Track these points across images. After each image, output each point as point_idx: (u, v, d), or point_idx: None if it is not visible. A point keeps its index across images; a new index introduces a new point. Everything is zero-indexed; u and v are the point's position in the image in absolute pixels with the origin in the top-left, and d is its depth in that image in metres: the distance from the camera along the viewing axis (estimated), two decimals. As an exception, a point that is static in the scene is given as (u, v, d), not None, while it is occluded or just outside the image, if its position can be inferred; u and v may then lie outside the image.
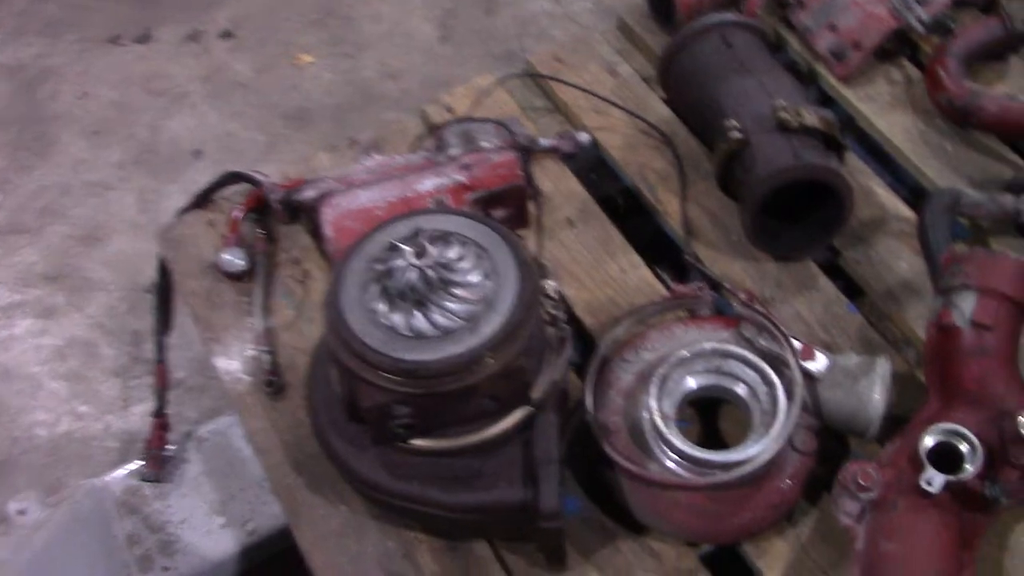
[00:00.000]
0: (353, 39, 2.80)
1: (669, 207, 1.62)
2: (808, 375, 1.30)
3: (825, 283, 1.52)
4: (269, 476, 1.40)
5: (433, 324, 1.14)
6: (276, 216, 1.46)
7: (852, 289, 1.53)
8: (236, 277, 1.57)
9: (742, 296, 1.36)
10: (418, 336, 1.14)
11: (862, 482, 1.18)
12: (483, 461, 1.22)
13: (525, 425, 1.23)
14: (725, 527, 1.27)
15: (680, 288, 1.41)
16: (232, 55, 2.77)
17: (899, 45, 1.74)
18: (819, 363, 1.32)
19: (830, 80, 1.73)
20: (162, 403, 1.72)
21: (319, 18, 2.84)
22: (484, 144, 1.38)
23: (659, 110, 1.74)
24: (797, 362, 1.29)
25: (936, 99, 1.63)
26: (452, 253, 1.18)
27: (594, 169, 1.74)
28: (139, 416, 1.82)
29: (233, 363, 1.51)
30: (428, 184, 1.36)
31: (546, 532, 1.19)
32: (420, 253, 1.14)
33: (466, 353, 1.12)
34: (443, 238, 1.18)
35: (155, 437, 1.70)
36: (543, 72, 1.80)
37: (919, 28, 1.67)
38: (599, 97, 1.73)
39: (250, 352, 1.51)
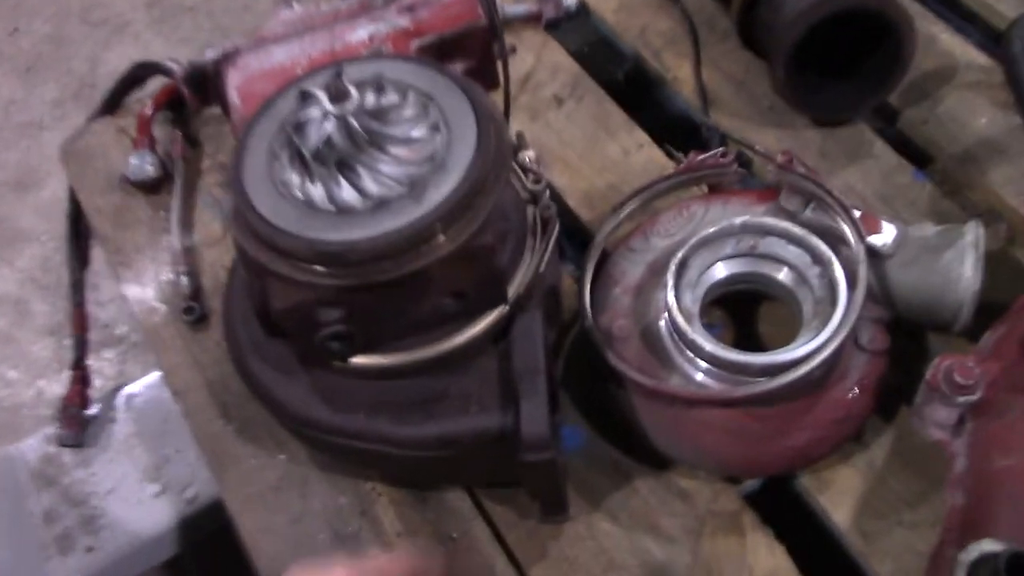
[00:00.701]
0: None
1: (680, 73, 1.30)
2: (873, 251, 0.99)
3: (882, 148, 1.20)
4: (190, 422, 1.11)
5: (363, 193, 0.84)
6: (187, 103, 1.16)
7: (917, 156, 1.21)
8: (149, 187, 1.27)
9: (779, 159, 1.04)
10: (343, 210, 0.84)
11: (960, 379, 0.87)
12: (448, 380, 0.92)
13: (502, 331, 0.93)
14: (773, 453, 0.96)
15: (698, 157, 1.10)
16: (176, -21, 2.48)
17: None
18: (887, 235, 1.00)
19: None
20: (81, 353, 1.44)
21: (275, -62, 2.53)
22: (433, -22, 1.07)
23: (661, -36, 1.43)
24: (859, 233, 0.98)
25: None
26: (386, 101, 0.87)
27: (585, 41, 1.43)
28: (76, 379, 1.56)
29: (146, 290, 1.22)
30: (362, 33, 1.05)
31: (536, 469, 0.89)
32: (339, 97, 0.83)
33: (407, 227, 0.81)
34: (374, 84, 0.88)
35: (73, 393, 1.42)
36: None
37: None
38: (587, -51, 1.42)
39: (167, 276, 1.22)
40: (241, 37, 1.08)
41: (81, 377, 1.42)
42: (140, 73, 1.32)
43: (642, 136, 1.25)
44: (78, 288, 1.42)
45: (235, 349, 0.99)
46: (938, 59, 1.26)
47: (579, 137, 1.26)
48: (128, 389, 1.45)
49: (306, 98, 0.86)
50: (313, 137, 0.84)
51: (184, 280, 1.18)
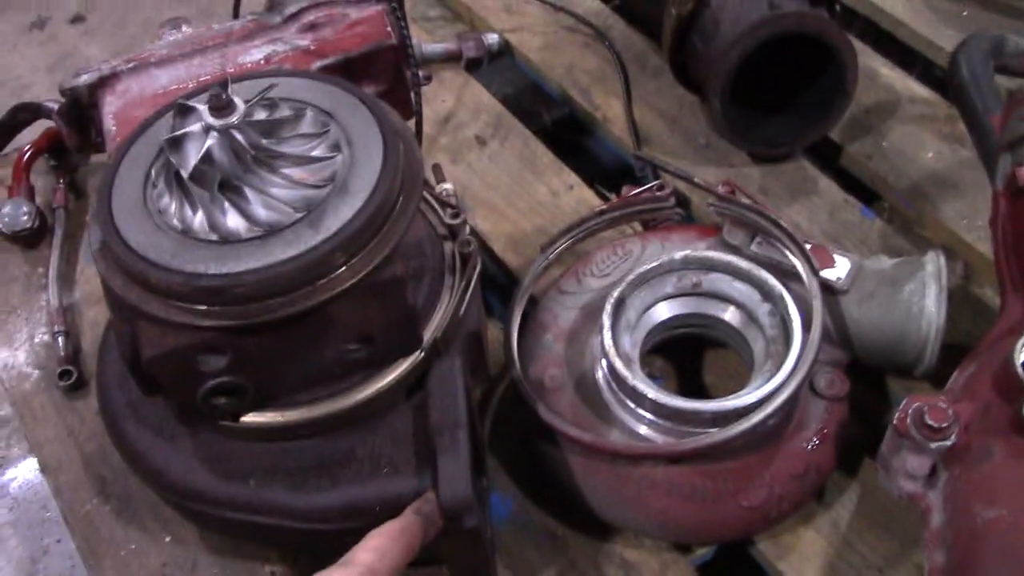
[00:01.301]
0: (226, 8, 2.40)
1: (609, 112, 1.22)
2: (827, 287, 0.90)
3: (827, 184, 1.13)
4: (60, 502, 0.96)
5: (250, 219, 0.73)
6: (65, 139, 1.04)
7: (864, 192, 1.14)
8: (26, 240, 1.14)
9: (720, 189, 0.95)
10: (227, 240, 0.72)
11: (933, 422, 0.77)
12: (354, 439, 0.80)
13: (416, 382, 0.81)
14: (729, 515, 0.84)
15: (633, 191, 1.01)
16: (84, 39, 2.33)
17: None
18: (840, 269, 0.91)
19: (801, -47, 1.36)
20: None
21: (185, -13, 2.44)
22: (337, -4, 0.97)
23: (587, 3, 1.36)
24: (811, 267, 0.89)
25: (941, -49, 1.27)
26: (278, 116, 0.76)
27: (509, 85, 1.35)
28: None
29: (17, 354, 1.07)
30: (256, 55, 0.94)
31: (458, 539, 0.76)
32: (222, 109, 0.72)
33: (302, 256, 0.70)
34: (263, 99, 0.77)
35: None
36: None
37: None
38: (509, -11, 1.35)
39: (42, 337, 1.08)
40: (118, 58, 0.97)
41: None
42: (19, 117, 1.20)
43: (572, 177, 1.16)
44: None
45: (108, 411, 0.86)
46: (880, 93, 1.20)
47: (504, 179, 1.17)
48: (5, 474, 1.29)
49: (184, 112, 0.74)
50: (191, 154, 0.72)
51: (60, 341, 1.04)
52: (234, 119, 0.72)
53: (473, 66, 1.29)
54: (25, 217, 1.12)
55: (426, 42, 1.29)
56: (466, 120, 1.23)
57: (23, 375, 1.05)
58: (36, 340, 1.08)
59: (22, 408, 1.03)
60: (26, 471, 1.29)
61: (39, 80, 2.29)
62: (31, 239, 1.14)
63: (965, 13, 1.25)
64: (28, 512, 1.23)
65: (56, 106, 1.11)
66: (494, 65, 1.34)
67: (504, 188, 1.16)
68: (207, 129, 0.72)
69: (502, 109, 1.24)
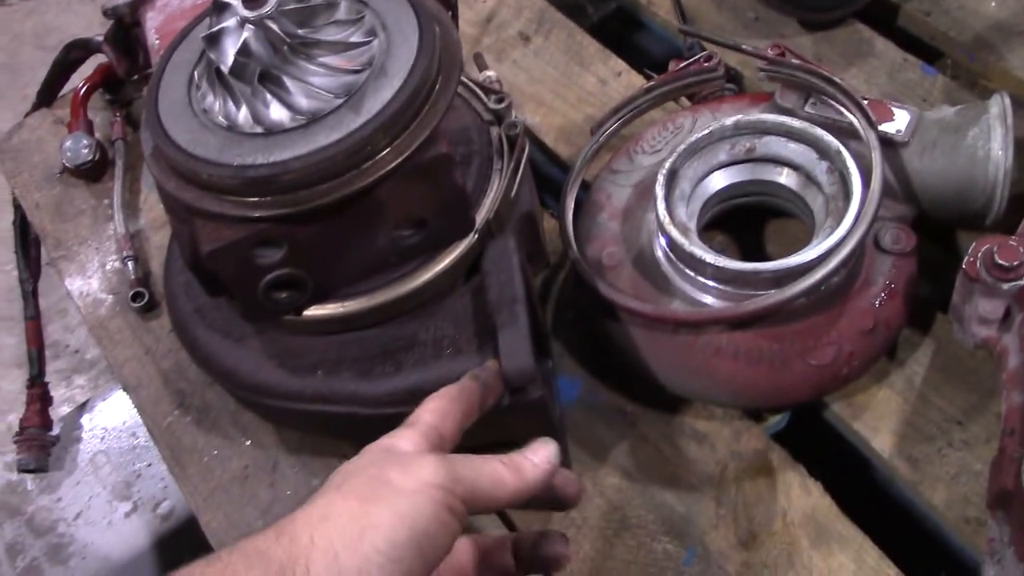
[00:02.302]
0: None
1: (654, -5, 1.19)
2: (887, 140, 0.87)
3: (885, 45, 1.09)
4: (143, 417, 1.00)
5: (292, 109, 0.73)
6: (115, 67, 1.06)
7: (924, 51, 1.10)
8: (88, 173, 1.17)
9: (770, 51, 0.93)
10: (272, 131, 0.72)
11: (1003, 262, 0.75)
12: (416, 325, 0.81)
13: (473, 265, 0.82)
14: (798, 376, 0.83)
15: (680, 64, 0.99)
16: (134, -7, 2.38)
17: None
18: (900, 121, 0.88)
19: None
20: (39, 369, 1.32)
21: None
22: None
23: None
24: (868, 121, 0.86)
25: None
26: (312, 3, 0.76)
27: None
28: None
29: (91, 282, 1.11)
30: (292, -45, 0.95)
31: (525, 412, 0.76)
32: (255, 1, 0.72)
33: (345, 139, 0.70)
34: (298, -10, 0.76)
35: (31, 413, 1.30)
36: None
37: None
38: None
39: (113, 265, 1.11)
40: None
41: (40, 395, 1.31)
42: (73, 55, 1.23)
43: (619, 63, 1.14)
44: (31, 300, 1.31)
45: (178, 319, 0.88)
46: (935, -55, 1.14)
47: (550, 72, 1.15)
48: (95, 407, 1.34)
49: (221, 9, 0.75)
50: (229, 48, 0.73)
51: (130, 265, 1.07)
52: (267, 9, 0.72)
53: (513, -36, 1.27)
54: (86, 150, 1.14)
55: (463, -55, 1.27)
56: (508, 18, 1.21)
57: (98, 301, 1.09)
58: (107, 267, 1.11)
59: (99, 332, 1.07)
60: (114, 403, 1.33)
61: (95, 36, 2.33)
62: (94, 172, 1.17)
63: None
64: (119, 440, 1.28)
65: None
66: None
67: (551, 81, 1.14)
68: (242, 22, 0.73)
69: (545, 5, 1.22)
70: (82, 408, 1.34)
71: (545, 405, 0.76)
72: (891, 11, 1.12)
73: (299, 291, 0.78)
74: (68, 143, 1.15)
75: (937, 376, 0.87)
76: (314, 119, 0.72)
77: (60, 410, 1.40)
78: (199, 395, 0.98)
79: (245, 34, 0.72)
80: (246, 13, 0.72)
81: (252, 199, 0.72)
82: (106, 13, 0.98)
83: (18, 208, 1.28)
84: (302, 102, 0.73)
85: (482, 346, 0.78)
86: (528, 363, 0.73)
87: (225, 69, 0.73)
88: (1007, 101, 0.86)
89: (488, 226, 0.81)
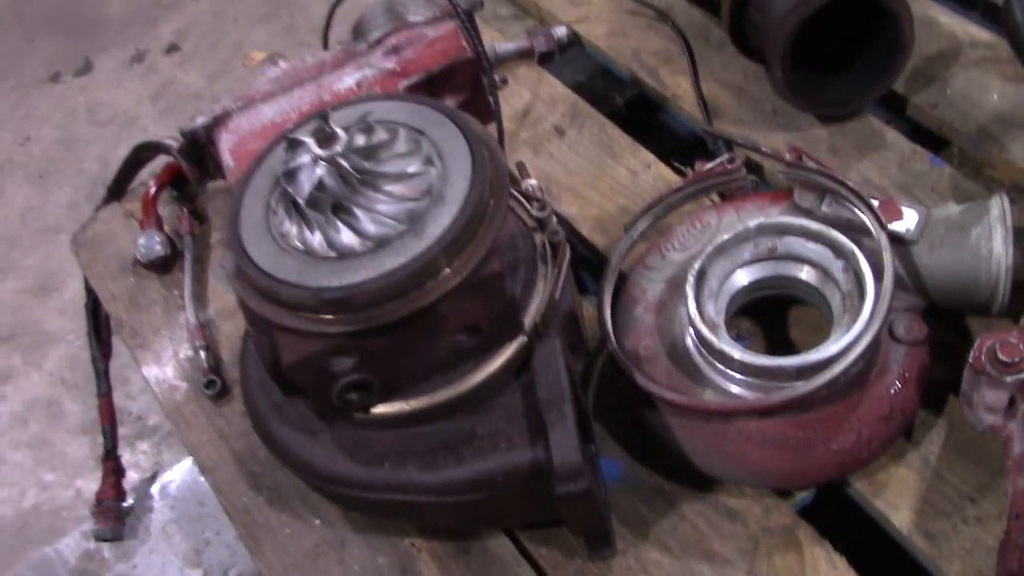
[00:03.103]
0: (308, 25, 2.53)
1: (678, 90, 1.28)
2: (897, 238, 0.95)
3: (895, 137, 1.17)
4: (220, 497, 1.08)
5: (362, 234, 0.82)
6: (187, 175, 1.16)
7: (932, 141, 1.18)
8: (160, 266, 1.26)
9: (788, 156, 1.01)
10: (344, 255, 0.82)
11: (1005, 358, 0.83)
12: (472, 420, 0.89)
13: (522, 363, 0.90)
14: (821, 460, 0.91)
15: (706, 166, 1.07)
16: (181, 68, 2.50)
17: None
18: (909, 220, 0.97)
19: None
20: (112, 443, 1.42)
21: (268, 12, 2.55)
22: (414, 19, 1.06)
23: (648, -14, 1.42)
24: (879, 222, 0.95)
25: None
26: (376, 139, 0.86)
27: (581, 73, 1.42)
28: (114, 475, 1.54)
29: (166, 369, 1.20)
30: (348, 80, 1.04)
31: (574, 501, 0.85)
32: (327, 140, 0.82)
33: (411, 263, 0.79)
34: (361, 125, 0.86)
35: (107, 485, 1.39)
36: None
37: None
38: (572, -19, 1.41)
39: (185, 352, 1.20)
40: (228, 98, 1.08)
41: (114, 468, 1.40)
42: (142, 155, 1.33)
43: (648, 156, 1.23)
44: (103, 378, 1.41)
45: (255, 414, 0.97)
46: (940, 41, 1.23)
47: (584, 165, 1.24)
48: (163, 477, 1.43)
49: (294, 145, 0.84)
50: (305, 183, 0.82)
51: (203, 354, 1.17)
52: (338, 148, 0.82)
53: (545, 60, 1.36)
54: (159, 247, 1.24)
55: (499, 42, 1.37)
56: (544, 112, 1.31)
57: (173, 387, 1.18)
58: (180, 355, 1.20)
59: (176, 417, 1.16)
60: (180, 472, 1.43)
61: (145, 111, 2.45)
62: (165, 265, 1.26)
63: (1021, -50, 1.27)
64: (187, 509, 1.37)
65: (174, 144, 1.24)
66: (565, 55, 1.41)
67: (586, 173, 1.23)
68: (316, 160, 0.82)
69: (576, 98, 1.32)
70: (152, 479, 1.43)
71: (592, 493, 0.84)
72: (900, 102, 1.20)
73: (368, 392, 0.86)
74: (142, 240, 1.24)
75: (951, 455, 0.94)
76: (381, 244, 0.81)
77: (129, 475, 1.49)
78: (270, 476, 1.07)
79: (319, 171, 0.82)
80: (319, 152, 0.82)
81: (328, 316, 0.81)
82: (184, 135, 1.08)
83: (90, 292, 1.39)
84: (370, 228, 0.82)
85: (534, 440, 0.86)
86: (577, 459, 0.81)
87: (302, 201, 0.82)
88: (1006, 203, 0.93)
89: (535, 328, 0.90)
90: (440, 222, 0.81)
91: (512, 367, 0.89)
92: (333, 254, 0.82)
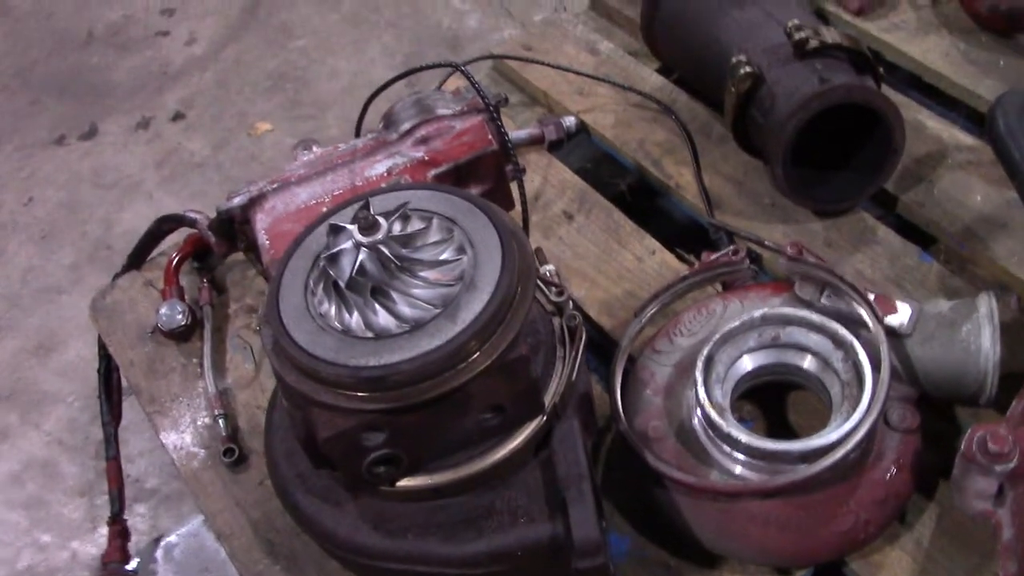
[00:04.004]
0: (312, 100, 2.60)
1: (681, 180, 1.36)
2: (892, 331, 1.02)
3: (886, 233, 1.24)
4: (236, 565, 1.11)
5: (398, 317, 0.87)
6: (213, 249, 1.21)
7: (920, 237, 1.25)
8: (179, 335, 1.30)
9: (789, 251, 1.08)
10: (381, 336, 0.87)
11: (995, 448, 0.89)
12: (494, 495, 0.94)
13: (542, 441, 0.95)
14: (820, 540, 0.96)
15: (711, 256, 1.14)
16: (185, 136, 2.56)
17: (916, -33, 1.50)
18: (902, 315, 1.03)
19: (843, 17, 1.49)
20: (119, 507, 1.44)
21: (273, 84, 2.63)
22: (443, 112, 1.13)
23: (652, 80, 1.50)
24: (876, 316, 1.01)
25: (975, 9, 1.38)
26: (412, 228, 0.91)
27: (587, 159, 1.49)
28: (110, 537, 1.55)
29: (184, 436, 1.23)
30: (380, 168, 1.10)
31: (591, 575, 0.89)
32: (369, 228, 0.87)
33: (445, 346, 0.84)
34: (399, 213, 0.92)
35: (112, 548, 1.41)
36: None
37: (939, -63, 1.43)
38: (581, 74, 1.49)
39: (203, 420, 1.24)
40: (263, 180, 1.13)
41: (120, 532, 1.42)
42: (164, 227, 1.37)
43: (653, 243, 1.30)
44: (112, 442, 1.43)
45: (280, 484, 1.01)
46: (928, 144, 1.31)
47: (592, 249, 1.31)
48: (166, 540, 1.45)
49: (337, 231, 0.90)
50: (347, 267, 0.87)
51: (221, 423, 1.20)
52: (379, 236, 0.87)
53: (555, 147, 1.44)
54: (180, 316, 1.28)
55: (511, 129, 1.44)
56: (553, 197, 1.38)
57: (191, 454, 1.21)
58: (198, 423, 1.24)
59: (193, 484, 1.19)
60: (185, 537, 1.45)
61: (149, 176, 2.50)
62: (184, 334, 1.31)
63: (1001, 63, 1.36)
64: (190, 574, 1.39)
65: (199, 217, 1.29)
66: (572, 141, 1.48)
67: (593, 257, 1.30)
68: (358, 246, 0.88)
69: (584, 185, 1.39)
70: (156, 542, 1.45)
71: (607, 570, 0.89)
72: (891, 200, 1.28)
73: (395, 466, 0.91)
74: (164, 309, 1.29)
75: (942, 538, 0.99)
76: (417, 326, 0.86)
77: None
78: (287, 544, 1.10)
79: (361, 256, 0.87)
80: (361, 239, 0.87)
81: (364, 394, 0.85)
82: (220, 212, 1.13)
83: (103, 357, 1.42)
84: (406, 311, 0.88)
85: (552, 516, 0.90)
86: (596, 535, 0.86)
87: (342, 284, 0.88)
88: (994, 302, 1.00)
89: (555, 408, 0.95)
90: (472, 308, 0.86)
91: (532, 445, 0.94)
92: (370, 334, 0.87)
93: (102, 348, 1.41)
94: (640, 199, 1.46)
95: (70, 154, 2.62)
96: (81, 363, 2.11)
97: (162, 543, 1.44)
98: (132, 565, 1.42)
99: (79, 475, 1.90)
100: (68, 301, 2.25)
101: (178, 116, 2.65)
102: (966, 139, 1.31)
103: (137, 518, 1.45)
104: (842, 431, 0.94)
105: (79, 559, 1.79)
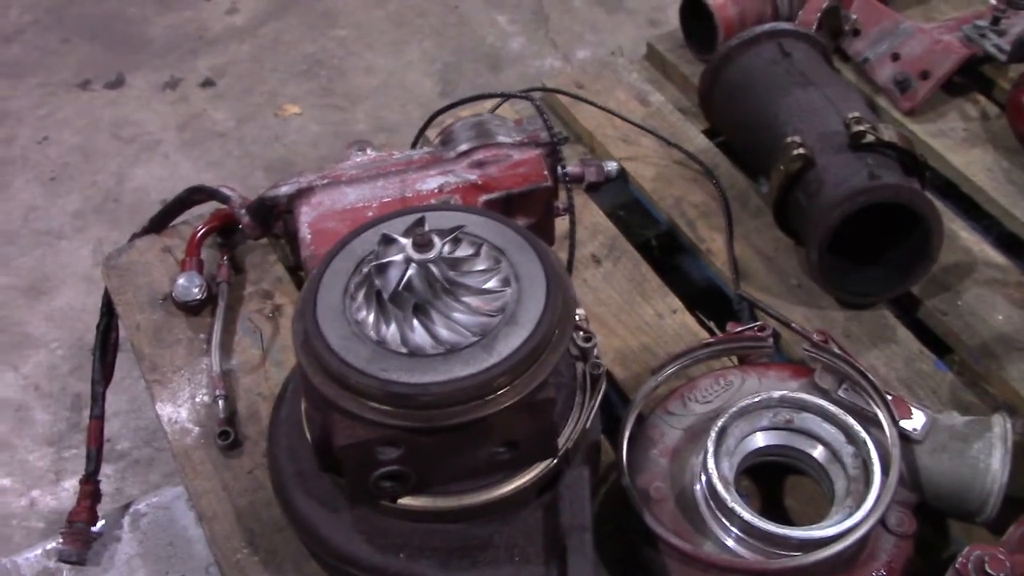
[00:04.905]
0: (344, 91, 2.59)
1: (712, 245, 1.37)
2: (904, 436, 1.03)
3: (905, 335, 1.26)
4: (215, 550, 1.10)
5: (436, 338, 0.87)
6: (245, 229, 1.20)
7: (936, 343, 1.27)
8: (192, 309, 1.30)
9: (816, 338, 1.09)
10: (415, 353, 0.87)
11: (992, 571, 0.90)
12: (493, 529, 0.94)
13: (548, 483, 0.95)
14: (803, 629, 0.97)
15: (736, 328, 1.15)
16: (212, 104, 2.54)
17: (970, 79, 1.53)
18: (917, 421, 1.04)
19: (893, 114, 1.51)
20: (95, 466, 1.42)
21: (307, 68, 2.62)
22: (502, 139, 1.13)
23: (697, 141, 1.51)
24: (892, 418, 1.02)
25: (1022, 131, 1.41)
26: (462, 252, 0.92)
27: (623, 206, 1.50)
28: (73, 492, 1.52)
29: (180, 411, 1.22)
30: (432, 183, 1.11)
31: (577, 626, 0.89)
32: (423, 245, 0.87)
33: (478, 375, 0.84)
34: (451, 234, 0.92)
35: (81, 508, 1.39)
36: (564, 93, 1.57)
37: (998, 56, 1.45)
38: (629, 122, 1.50)
39: (202, 398, 1.23)
40: (314, 172, 1.13)
41: (91, 492, 1.40)
42: (194, 196, 1.37)
43: (675, 302, 1.30)
44: (100, 401, 1.42)
45: (279, 480, 1.00)
46: (959, 254, 1.33)
47: (615, 298, 1.31)
48: (135, 507, 1.44)
49: (389, 242, 0.90)
50: (393, 280, 0.87)
51: (220, 404, 1.19)
52: (432, 255, 0.87)
53: (592, 188, 1.44)
54: (196, 290, 1.27)
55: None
56: (584, 239, 1.38)
57: (185, 430, 1.20)
58: (197, 400, 1.23)
59: (183, 460, 1.18)
60: (152, 507, 1.43)
61: (169, 137, 2.48)
62: (196, 308, 1.30)
63: (1041, 188, 1.39)
64: (156, 547, 1.36)
65: (232, 194, 1.28)
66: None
67: (615, 306, 1.30)
68: (408, 260, 0.87)
69: (616, 232, 1.39)
70: (125, 508, 1.43)
71: (596, 622, 0.89)
72: (915, 303, 1.30)
73: (403, 483, 0.91)
74: (181, 280, 1.28)
75: (922, 647, 1.00)
76: (452, 350, 0.86)
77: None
78: (268, 537, 1.09)
79: (410, 272, 0.87)
80: (414, 255, 0.87)
81: (389, 408, 0.85)
82: (265, 199, 1.13)
83: (106, 314, 1.41)
84: (444, 333, 0.88)
85: (548, 560, 0.91)
86: (592, 588, 0.86)
87: (386, 295, 0.87)
88: (1008, 424, 1.02)
89: (567, 453, 0.95)
90: (510, 342, 0.86)
91: (538, 485, 0.94)
92: (404, 350, 0.87)
93: (107, 305, 1.40)
94: (666, 252, 1.47)
95: (93, 100, 2.59)
96: (71, 311, 2.08)
97: (130, 510, 1.42)
98: (97, 527, 1.40)
99: (50, 424, 1.87)
100: (67, 247, 2.21)
101: (208, 83, 2.63)
102: (996, 256, 1.33)
103: (103, 478, 1.42)
104: (843, 527, 0.95)
105: (37, 508, 1.76)
